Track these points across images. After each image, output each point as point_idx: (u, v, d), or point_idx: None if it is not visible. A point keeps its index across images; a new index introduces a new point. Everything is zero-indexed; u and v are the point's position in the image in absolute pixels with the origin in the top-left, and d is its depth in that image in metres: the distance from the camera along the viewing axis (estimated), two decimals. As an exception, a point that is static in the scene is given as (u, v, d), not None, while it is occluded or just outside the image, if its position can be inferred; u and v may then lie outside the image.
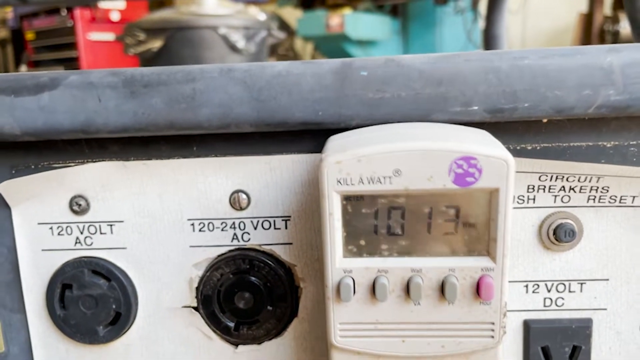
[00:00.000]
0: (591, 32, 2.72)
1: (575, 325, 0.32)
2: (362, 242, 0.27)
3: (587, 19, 2.78)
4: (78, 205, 0.33)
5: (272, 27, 2.20)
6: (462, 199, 0.26)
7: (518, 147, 0.31)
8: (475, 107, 0.28)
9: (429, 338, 0.27)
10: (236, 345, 0.34)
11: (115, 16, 2.82)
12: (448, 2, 2.61)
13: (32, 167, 0.33)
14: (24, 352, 0.35)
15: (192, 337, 0.34)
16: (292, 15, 3.05)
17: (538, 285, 0.32)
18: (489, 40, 0.86)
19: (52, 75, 0.29)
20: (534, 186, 0.31)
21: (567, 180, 0.31)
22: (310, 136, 0.31)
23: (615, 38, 2.58)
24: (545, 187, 0.31)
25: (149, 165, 0.32)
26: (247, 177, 0.32)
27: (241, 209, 0.33)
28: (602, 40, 2.69)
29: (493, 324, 0.27)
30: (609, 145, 0.30)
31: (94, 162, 0.32)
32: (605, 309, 0.32)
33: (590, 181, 0.30)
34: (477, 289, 0.26)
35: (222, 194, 0.32)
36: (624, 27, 2.52)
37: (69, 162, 0.32)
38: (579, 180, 0.30)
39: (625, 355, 0.33)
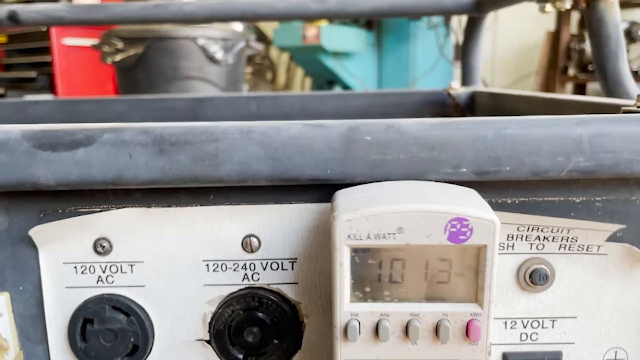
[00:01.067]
0: (558, 49, 2.83)
1: (548, 357, 0.36)
2: (367, 289, 0.31)
3: (555, 37, 2.89)
4: (102, 247, 0.36)
5: (249, 39, 2.22)
6: (455, 253, 0.30)
7: (500, 201, 0.35)
8: (464, 169, 0.32)
9: (424, 373, 0.31)
10: (245, 374, 0.37)
11: (91, 22, 2.80)
12: (421, 17, 2.67)
13: (60, 211, 0.35)
14: (45, 381, 0.38)
15: (204, 367, 0.37)
16: (269, 25, 3.08)
17: (515, 322, 0.36)
18: (466, 70, 0.92)
19: (87, 133, 0.32)
20: (513, 235, 0.35)
21: (541, 230, 0.35)
22: (316, 188, 0.35)
23: (581, 56, 2.69)
24: (522, 236, 0.35)
25: (169, 212, 0.35)
26: (259, 223, 0.36)
27: (252, 251, 0.36)
28: (568, 58, 2.80)
29: (479, 360, 0.31)
30: (577, 200, 0.35)
31: (118, 208, 0.35)
32: (573, 343, 0.37)
33: (561, 232, 0.35)
34: (467, 331, 0.30)
35: (235, 238, 0.36)
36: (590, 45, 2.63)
37: (95, 208, 0.35)
38: (551, 231, 0.35)
39: (590, 382, 0.37)
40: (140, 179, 0.33)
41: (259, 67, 3.41)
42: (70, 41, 2.79)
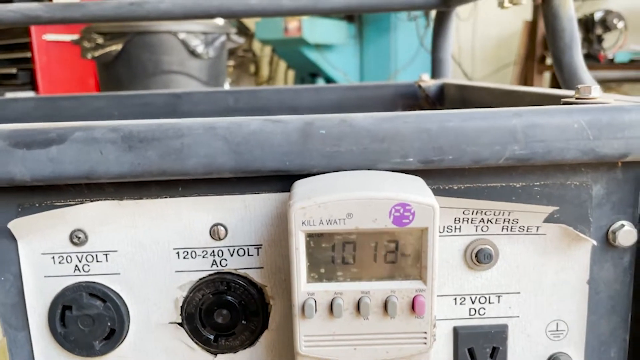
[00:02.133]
0: (535, 38, 2.87)
1: (494, 330, 0.40)
2: (322, 270, 0.34)
3: (532, 27, 2.93)
4: (77, 238, 0.38)
5: (230, 32, 2.23)
6: (400, 235, 0.33)
7: (446, 187, 0.38)
8: (411, 159, 0.35)
9: (376, 346, 0.34)
10: (215, 354, 0.40)
11: (71, 17, 2.78)
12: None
13: (37, 205, 0.38)
14: (27, 365, 0.40)
15: (177, 349, 0.40)
16: (251, 18, 3.09)
17: (464, 298, 0.40)
18: (436, 63, 0.95)
19: (60, 132, 0.34)
20: (459, 218, 0.38)
21: (485, 214, 0.38)
22: (278, 179, 0.38)
23: (558, 45, 2.73)
24: (468, 219, 0.38)
25: (141, 204, 0.38)
26: (225, 212, 0.38)
27: (220, 239, 0.39)
28: (545, 47, 2.84)
29: (425, 333, 0.34)
30: (518, 185, 0.38)
31: (92, 201, 0.38)
32: (518, 316, 0.40)
33: (503, 214, 0.38)
34: (413, 306, 0.33)
35: (203, 227, 0.38)
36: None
37: (70, 201, 0.38)
38: (494, 214, 0.38)
39: (534, 353, 0.41)
40: (111, 173, 0.35)
41: (242, 60, 3.41)
42: (51, 37, 2.77)
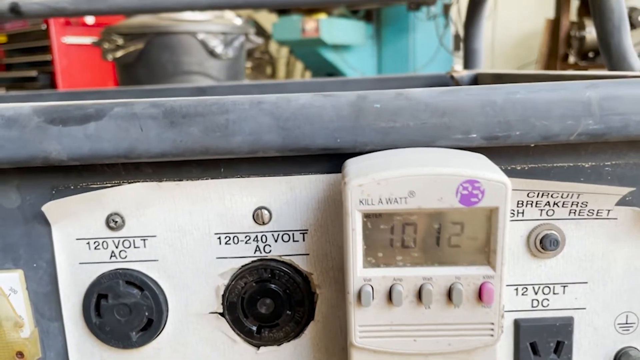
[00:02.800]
0: (558, 37, 2.82)
1: (559, 323, 0.37)
2: (380, 254, 0.31)
3: (555, 25, 2.88)
4: (114, 222, 0.36)
5: (249, 32, 2.22)
6: (467, 217, 0.30)
7: (509, 168, 0.35)
8: (474, 135, 0.32)
9: (438, 337, 0.32)
10: (258, 347, 0.38)
11: (90, 20, 2.80)
12: (420, 8, 2.67)
13: (72, 187, 0.36)
14: (60, 357, 0.38)
15: (217, 340, 0.38)
16: (268, 19, 3.08)
17: (527, 289, 0.37)
18: (469, 53, 0.91)
19: (98, 107, 0.32)
20: (523, 202, 0.35)
21: (551, 196, 0.35)
22: (326, 159, 0.35)
23: (581, 43, 2.69)
24: (532, 202, 0.35)
25: (181, 185, 0.35)
26: (269, 195, 0.36)
27: (263, 223, 0.36)
28: (569, 45, 2.79)
29: (493, 324, 0.31)
30: (587, 165, 0.35)
31: (130, 183, 0.35)
32: (584, 309, 0.37)
33: (571, 197, 0.35)
34: (480, 294, 0.31)
35: (246, 210, 0.36)
36: (590, 32, 2.63)
37: (106, 183, 0.35)
38: (561, 197, 0.35)
39: (602, 348, 0.38)
40: (151, 152, 0.33)
41: (259, 61, 3.40)
42: (70, 39, 2.79)
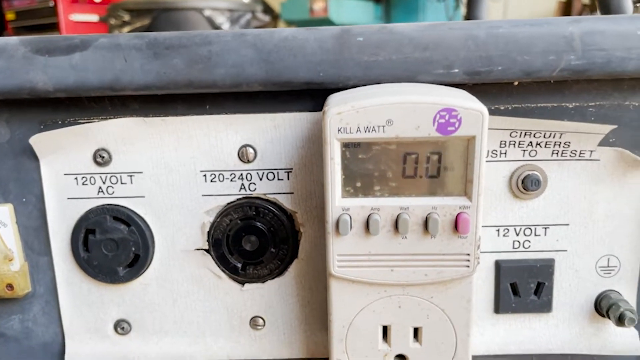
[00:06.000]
0: (569, 20, 2.78)
1: (540, 264, 0.37)
2: (358, 184, 0.31)
3: (566, 7, 2.84)
4: (101, 158, 0.36)
5: (256, 10, 2.21)
6: (444, 146, 0.30)
7: (492, 107, 0.35)
8: (456, 70, 0.33)
9: (414, 267, 0.32)
10: (243, 283, 0.38)
11: (97, -4, 2.80)
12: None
13: (60, 122, 0.36)
14: (49, 291, 0.39)
15: (203, 276, 0.38)
16: (276, -1, 3.06)
17: (508, 230, 0.37)
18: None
19: (83, 38, 0.33)
20: (505, 142, 0.35)
21: (534, 136, 0.35)
22: (310, 97, 0.35)
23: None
24: (515, 142, 0.35)
25: (167, 122, 0.36)
26: (254, 132, 0.36)
27: (248, 161, 0.37)
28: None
29: (469, 255, 0.32)
30: (570, 106, 0.35)
31: (116, 118, 0.36)
32: (565, 250, 0.37)
33: (554, 137, 0.35)
34: (456, 224, 0.31)
35: (231, 148, 0.36)
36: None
37: (93, 118, 0.36)
38: (544, 137, 0.35)
39: (583, 291, 0.38)
40: (135, 83, 0.33)
41: (266, 42, 3.39)
42: (78, 17, 2.79)
